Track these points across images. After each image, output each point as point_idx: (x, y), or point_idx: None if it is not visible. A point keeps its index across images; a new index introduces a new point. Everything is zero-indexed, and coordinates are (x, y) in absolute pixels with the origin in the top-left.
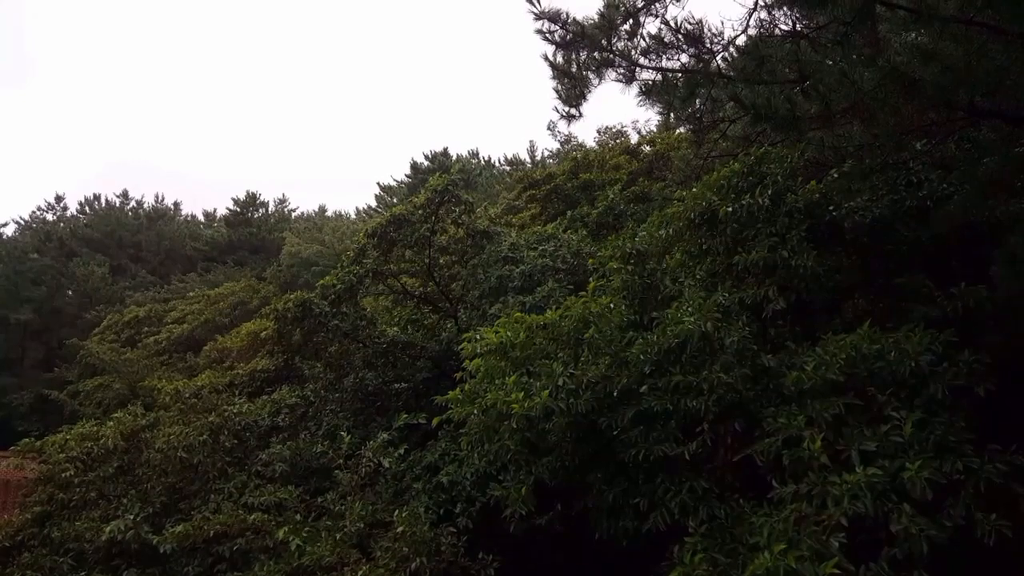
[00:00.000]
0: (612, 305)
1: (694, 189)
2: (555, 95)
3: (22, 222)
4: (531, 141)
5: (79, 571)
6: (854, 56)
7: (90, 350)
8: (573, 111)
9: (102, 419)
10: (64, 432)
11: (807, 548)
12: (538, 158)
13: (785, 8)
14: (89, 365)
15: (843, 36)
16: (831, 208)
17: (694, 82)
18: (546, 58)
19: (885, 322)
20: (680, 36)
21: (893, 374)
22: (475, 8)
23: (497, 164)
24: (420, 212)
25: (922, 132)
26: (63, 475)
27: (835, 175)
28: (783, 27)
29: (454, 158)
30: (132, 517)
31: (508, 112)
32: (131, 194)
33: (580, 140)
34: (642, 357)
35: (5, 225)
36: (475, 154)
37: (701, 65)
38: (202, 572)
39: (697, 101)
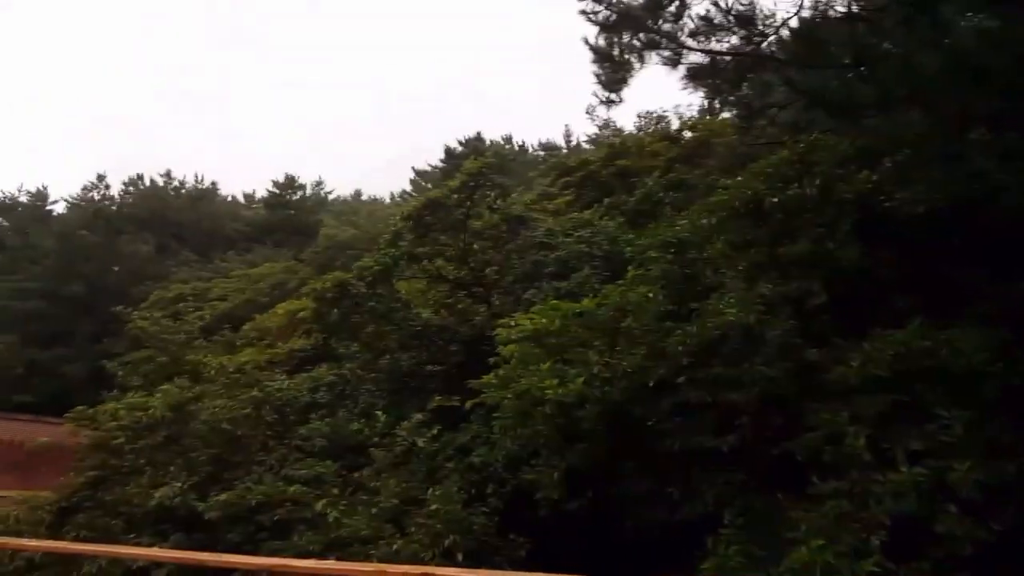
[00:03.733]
0: (650, 294)
1: (739, 177)
2: (595, 79)
3: (72, 200)
4: (566, 126)
5: (129, 533)
6: (916, 40)
7: (136, 323)
8: (613, 96)
9: (149, 390)
10: (115, 402)
11: (846, 545)
12: (573, 143)
13: None
14: (135, 338)
15: (905, 19)
16: (883, 199)
17: (744, 65)
18: (586, 42)
19: (936, 319)
20: (730, 17)
21: (944, 372)
22: None
23: (531, 150)
24: (455, 196)
25: (984, 121)
26: (115, 442)
27: (889, 164)
28: (839, 8)
29: (488, 143)
30: (179, 484)
31: (543, 97)
32: (173, 173)
33: (619, 125)
34: (680, 348)
35: (56, 203)
36: (508, 139)
37: (752, 48)
38: (244, 539)
39: (746, 85)
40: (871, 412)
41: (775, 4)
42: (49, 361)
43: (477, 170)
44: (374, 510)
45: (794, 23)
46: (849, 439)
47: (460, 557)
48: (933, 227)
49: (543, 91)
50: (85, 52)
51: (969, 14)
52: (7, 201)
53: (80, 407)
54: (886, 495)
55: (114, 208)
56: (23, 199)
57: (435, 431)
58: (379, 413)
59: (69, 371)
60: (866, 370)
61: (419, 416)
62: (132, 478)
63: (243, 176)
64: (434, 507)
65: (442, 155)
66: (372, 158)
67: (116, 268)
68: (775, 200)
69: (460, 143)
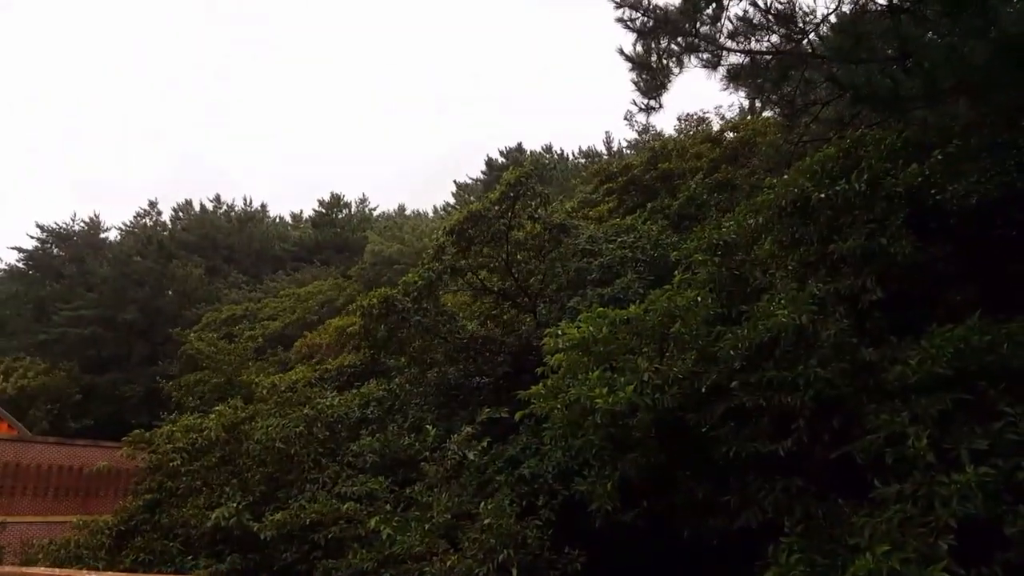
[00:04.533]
0: (699, 298)
1: (785, 176)
2: (633, 87)
3: (125, 228)
4: (607, 132)
5: (186, 555)
6: (962, 29)
7: (191, 344)
8: (652, 103)
9: (204, 411)
10: (169, 424)
11: (912, 550)
12: (615, 149)
13: None
14: (189, 359)
15: (951, 7)
16: (934, 192)
17: (786, 63)
18: (622, 52)
19: (995, 313)
20: (769, 16)
21: (1006, 368)
22: (550, 4)
23: (571, 157)
24: (496, 208)
25: None
26: (171, 464)
27: (939, 156)
28: (880, 1)
29: (528, 153)
30: (234, 505)
31: (583, 105)
32: (222, 198)
33: (659, 129)
34: (732, 352)
35: (109, 230)
36: (548, 149)
37: (793, 45)
38: (299, 558)
39: (788, 83)
40: (932, 411)
41: (815, 1)
42: (106, 385)
43: (516, 180)
44: (427, 526)
45: (834, 18)
46: (911, 440)
47: (515, 572)
48: (987, 219)
49: (584, 99)
50: (130, 68)
51: (1016, 0)
52: (62, 231)
53: (137, 430)
54: (952, 497)
55: (166, 233)
56: (77, 228)
57: (485, 443)
58: (428, 427)
59: (125, 394)
60: (925, 368)
61: (468, 429)
62: (188, 500)
63: (291, 196)
64: (487, 521)
65: (483, 167)
66: (416, 172)
67: (169, 292)
68: (823, 197)
69: (501, 153)
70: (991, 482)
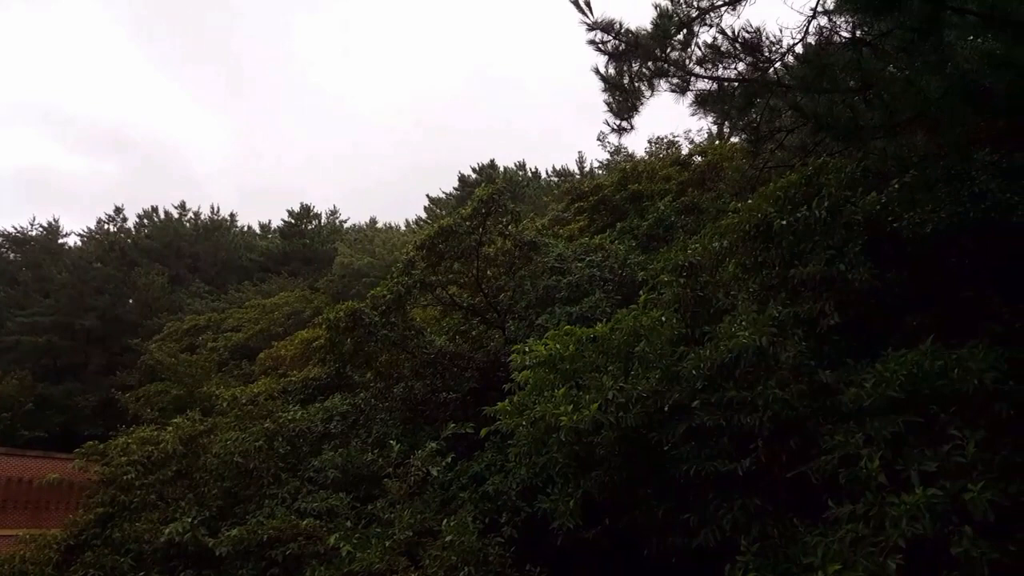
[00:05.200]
0: (663, 318)
1: (749, 200)
2: (606, 108)
3: (87, 233)
4: (580, 152)
5: (138, 571)
6: (920, 64)
7: (152, 354)
8: (624, 124)
9: (162, 423)
10: (125, 436)
11: (863, 569)
12: (587, 169)
13: (846, 14)
14: (149, 370)
15: (909, 44)
16: (891, 220)
17: (751, 91)
18: (597, 71)
19: (948, 338)
20: (737, 45)
21: (956, 392)
22: (525, 22)
23: (544, 175)
24: (467, 223)
25: (989, 142)
26: (125, 478)
27: (896, 186)
28: (844, 34)
29: (501, 170)
30: (190, 520)
31: (557, 124)
32: (188, 205)
33: (631, 150)
34: (694, 372)
35: (68, 236)
36: (522, 166)
37: (759, 74)
38: (255, 575)
39: (754, 110)
40: (885, 433)
41: (780, 31)
42: (60, 395)
43: (489, 197)
44: (388, 543)
45: (799, 49)
46: (864, 461)
47: None
48: (941, 247)
49: (557, 118)
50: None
51: (971, 37)
52: (18, 236)
53: (91, 442)
54: (902, 517)
55: (129, 240)
56: (34, 233)
57: (449, 459)
58: (393, 443)
59: (80, 405)
60: (879, 391)
61: (432, 445)
62: (142, 514)
63: (261, 207)
64: (448, 538)
65: (456, 183)
66: (388, 185)
67: (130, 300)
68: (785, 222)
69: (474, 170)
70: (939, 503)
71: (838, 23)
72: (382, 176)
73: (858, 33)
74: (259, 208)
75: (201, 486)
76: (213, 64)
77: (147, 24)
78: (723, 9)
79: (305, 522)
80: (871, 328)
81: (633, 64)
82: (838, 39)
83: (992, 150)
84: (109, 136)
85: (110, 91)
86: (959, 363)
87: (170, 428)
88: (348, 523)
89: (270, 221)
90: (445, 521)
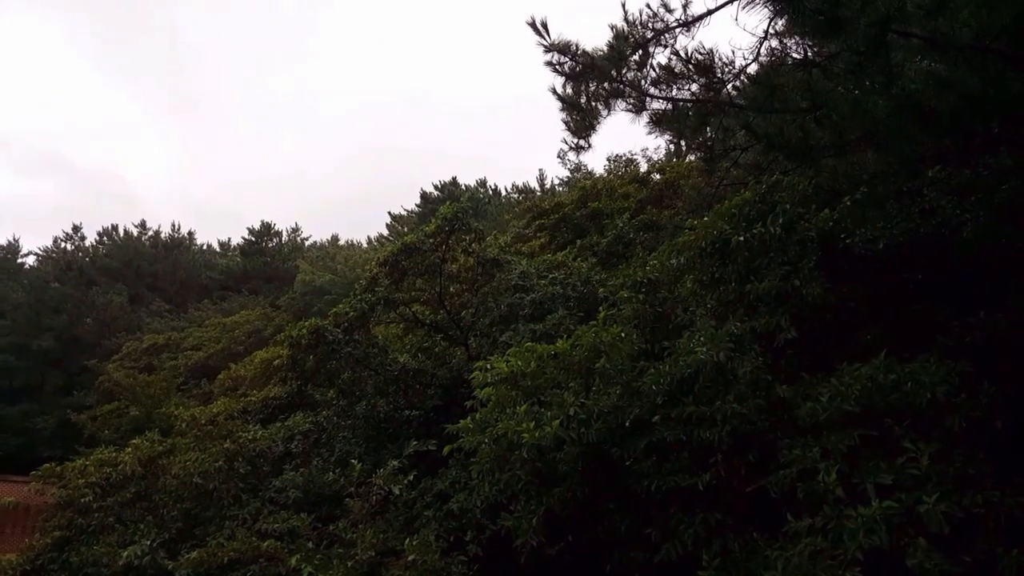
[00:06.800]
0: (623, 334)
1: (705, 218)
2: (564, 127)
3: (42, 252)
4: (540, 170)
5: None
6: (867, 84)
7: (109, 375)
8: (582, 142)
9: (120, 444)
10: (83, 457)
11: None
12: (548, 186)
13: (796, 37)
14: (107, 391)
15: (856, 65)
16: (844, 236)
17: (705, 111)
18: (554, 91)
19: (901, 352)
20: (690, 66)
21: (910, 405)
22: (485, 40)
23: (505, 193)
24: (431, 240)
25: (937, 159)
26: (82, 500)
27: (848, 203)
28: (795, 55)
29: (463, 188)
30: (148, 543)
31: (518, 141)
32: (148, 223)
33: (590, 168)
34: (654, 387)
35: (28, 255)
36: (483, 183)
37: (712, 94)
38: None
39: (708, 130)
40: (841, 447)
41: (733, 52)
42: (16, 417)
43: (453, 215)
44: (350, 563)
45: (752, 70)
46: (821, 475)
47: None
48: (894, 262)
49: (518, 135)
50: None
51: (917, 58)
52: None
53: (47, 464)
54: (859, 530)
55: (88, 259)
56: None
57: (412, 477)
58: (355, 462)
59: (37, 426)
60: (835, 405)
61: (395, 463)
62: (100, 537)
63: (221, 225)
64: (411, 557)
65: (418, 200)
66: (349, 203)
67: (88, 320)
68: (740, 239)
69: (436, 187)
70: (895, 515)
71: (789, 45)
72: (343, 194)
73: (809, 55)
74: (216, 227)
75: (160, 508)
76: (161, 85)
77: (87, 39)
78: (677, 31)
79: (266, 543)
80: (826, 342)
81: (590, 84)
82: (789, 60)
83: (940, 168)
84: (49, 157)
85: (51, 108)
86: (912, 377)
87: (129, 449)
88: (310, 544)
89: (230, 239)
90: (408, 540)
